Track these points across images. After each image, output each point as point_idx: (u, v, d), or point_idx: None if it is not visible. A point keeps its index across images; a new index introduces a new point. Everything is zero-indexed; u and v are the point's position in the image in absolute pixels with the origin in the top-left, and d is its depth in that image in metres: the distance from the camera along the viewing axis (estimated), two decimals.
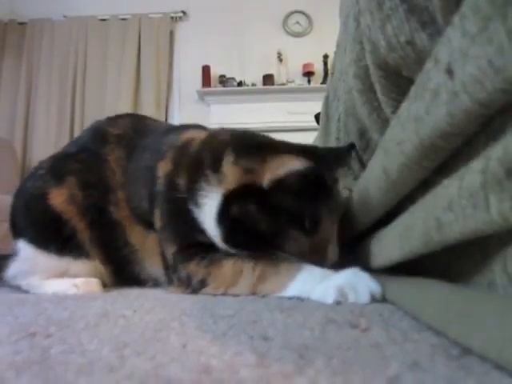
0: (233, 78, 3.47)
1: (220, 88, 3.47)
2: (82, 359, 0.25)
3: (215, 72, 3.51)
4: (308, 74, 3.44)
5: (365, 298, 0.44)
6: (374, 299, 0.44)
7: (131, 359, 0.24)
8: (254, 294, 0.54)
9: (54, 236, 0.70)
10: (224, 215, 0.56)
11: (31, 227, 0.71)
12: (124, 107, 3.38)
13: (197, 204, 0.59)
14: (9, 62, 3.59)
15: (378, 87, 0.45)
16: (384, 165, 0.39)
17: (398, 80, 0.41)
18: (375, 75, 0.44)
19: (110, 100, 3.48)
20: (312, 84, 3.43)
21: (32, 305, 0.49)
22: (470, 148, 0.27)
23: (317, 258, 0.56)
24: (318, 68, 3.42)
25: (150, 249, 0.71)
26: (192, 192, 0.60)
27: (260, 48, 3.52)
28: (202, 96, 3.51)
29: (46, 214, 0.70)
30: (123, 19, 3.62)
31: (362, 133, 0.58)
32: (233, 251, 0.57)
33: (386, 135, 0.40)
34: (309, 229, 0.57)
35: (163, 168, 0.66)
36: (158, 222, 0.66)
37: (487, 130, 0.24)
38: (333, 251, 0.59)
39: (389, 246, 0.42)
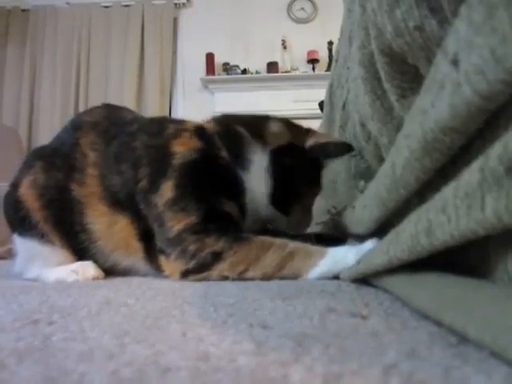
0: (237, 66, 3.45)
1: (224, 76, 3.45)
2: (83, 346, 0.25)
3: (219, 60, 3.48)
4: (313, 62, 3.41)
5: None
6: None
7: (131, 347, 0.25)
8: (277, 273, 0.56)
9: (22, 223, 0.71)
10: (275, 166, 0.69)
11: (10, 219, 0.74)
12: (127, 95, 3.38)
13: (243, 166, 0.69)
14: (12, 49, 3.58)
15: (382, 74, 0.44)
16: (393, 160, 0.39)
17: (403, 67, 0.40)
18: (380, 62, 0.43)
19: (113, 87, 3.47)
20: (317, 71, 3.40)
21: (37, 292, 0.50)
22: (471, 155, 0.26)
23: (304, 223, 0.75)
24: (323, 55, 3.38)
25: (117, 238, 0.69)
26: (237, 158, 0.69)
27: (264, 35, 3.49)
28: (205, 84, 3.49)
29: (15, 204, 0.72)
30: (126, 6, 3.59)
31: (363, 123, 0.57)
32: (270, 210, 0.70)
33: (401, 131, 0.39)
34: (309, 196, 0.74)
35: (185, 145, 0.69)
36: (165, 195, 0.64)
37: (489, 135, 0.24)
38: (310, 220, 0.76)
39: (377, 251, 0.40)
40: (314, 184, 0.75)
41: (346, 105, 0.77)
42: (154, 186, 0.66)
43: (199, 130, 0.72)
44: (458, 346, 0.23)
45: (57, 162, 0.73)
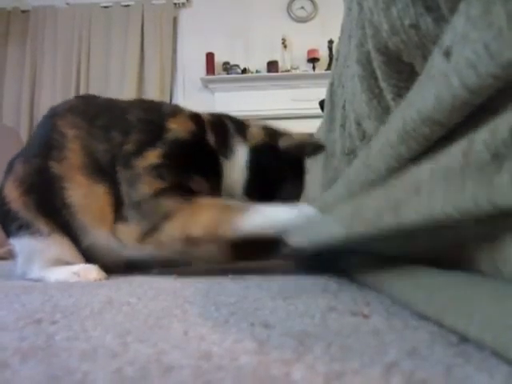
0: (237, 65, 3.44)
1: (224, 75, 3.44)
2: (86, 345, 0.25)
3: (219, 59, 3.48)
4: (313, 60, 3.40)
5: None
6: None
7: (134, 346, 0.25)
8: (216, 229, 0.61)
9: (10, 222, 0.71)
10: (252, 162, 0.76)
11: (2, 224, 0.74)
12: (128, 94, 3.37)
13: (226, 155, 0.76)
14: (13, 50, 3.58)
15: (379, 73, 0.44)
16: (371, 148, 0.38)
17: (399, 65, 0.40)
18: (376, 60, 0.43)
19: (114, 87, 3.47)
20: (317, 70, 3.39)
21: (39, 292, 0.50)
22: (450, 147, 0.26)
23: None
24: (323, 54, 3.38)
25: (93, 209, 0.70)
26: (221, 146, 0.76)
27: (264, 34, 3.48)
28: (205, 83, 3.48)
29: (2, 207, 0.72)
30: (126, 6, 3.59)
31: (359, 122, 0.57)
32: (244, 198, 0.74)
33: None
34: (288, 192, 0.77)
35: (180, 124, 0.75)
36: (149, 160, 0.69)
37: (470, 128, 0.24)
38: None
39: (334, 223, 0.39)
40: (292, 184, 0.79)
41: (346, 103, 0.77)
42: (139, 151, 0.70)
43: (194, 116, 0.79)
44: (459, 345, 0.23)
45: (34, 151, 0.74)
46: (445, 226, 0.23)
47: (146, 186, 0.67)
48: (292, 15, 3.54)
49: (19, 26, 3.59)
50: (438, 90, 0.23)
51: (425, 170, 0.23)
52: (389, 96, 0.42)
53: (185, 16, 3.63)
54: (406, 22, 0.34)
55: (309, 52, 3.40)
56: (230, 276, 0.61)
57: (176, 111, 0.79)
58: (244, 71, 3.44)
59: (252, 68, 3.45)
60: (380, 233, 0.29)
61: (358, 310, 0.33)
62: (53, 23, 3.59)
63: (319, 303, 0.37)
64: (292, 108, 3.30)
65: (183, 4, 3.62)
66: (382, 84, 0.43)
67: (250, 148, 0.77)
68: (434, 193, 0.22)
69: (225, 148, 0.77)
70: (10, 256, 1.39)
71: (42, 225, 0.70)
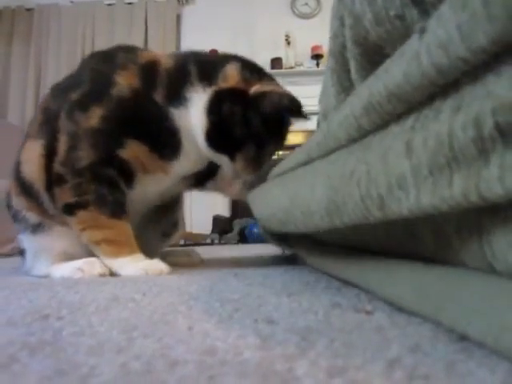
0: None
1: None
2: (92, 341, 0.26)
3: None
4: (317, 57, 3.39)
5: None
6: None
7: (139, 341, 0.25)
8: (94, 247, 0.68)
9: (16, 219, 0.74)
10: (214, 108, 0.67)
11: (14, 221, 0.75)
12: None
13: (178, 105, 0.69)
14: (17, 48, 3.60)
15: (353, 64, 0.44)
16: (333, 119, 0.38)
17: (376, 58, 0.40)
18: (352, 52, 0.43)
19: None
20: (321, 67, 3.38)
21: (45, 289, 0.51)
22: (415, 120, 0.26)
23: (249, 170, 0.72)
24: (327, 50, 3.36)
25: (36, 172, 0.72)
26: (172, 98, 0.69)
27: (268, 31, 3.47)
28: None
29: (10, 205, 0.75)
30: (129, 3, 3.59)
31: (326, 115, 0.57)
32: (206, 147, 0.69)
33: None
34: (259, 145, 0.70)
35: (126, 79, 0.69)
36: (91, 121, 0.67)
37: (435, 102, 0.23)
38: (263, 170, 0.72)
39: (314, 215, 0.38)
40: (267, 136, 0.71)
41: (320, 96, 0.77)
42: (84, 104, 0.69)
43: (148, 66, 0.71)
44: (460, 341, 0.23)
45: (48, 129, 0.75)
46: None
47: (84, 155, 0.67)
48: (296, 11, 3.53)
49: (24, 24, 3.61)
50: (408, 67, 0.23)
51: (402, 164, 0.23)
52: None
53: (188, 13, 3.62)
54: (392, 13, 0.34)
55: (312, 48, 3.39)
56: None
57: (129, 61, 0.71)
58: None
59: None
60: (365, 223, 0.29)
61: (361, 307, 0.33)
62: (57, 21, 3.60)
63: (322, 299, 0.37)
64: None
65: (186, 1, 3.61)
66: (354, 76, 0.43)
67: (211, 94, 0.68)
68: (420, 187, 0.22)
69: (177, 98, 0.69)
70: (15, 253, 1.40)
71: (43, 219, 0.72)
